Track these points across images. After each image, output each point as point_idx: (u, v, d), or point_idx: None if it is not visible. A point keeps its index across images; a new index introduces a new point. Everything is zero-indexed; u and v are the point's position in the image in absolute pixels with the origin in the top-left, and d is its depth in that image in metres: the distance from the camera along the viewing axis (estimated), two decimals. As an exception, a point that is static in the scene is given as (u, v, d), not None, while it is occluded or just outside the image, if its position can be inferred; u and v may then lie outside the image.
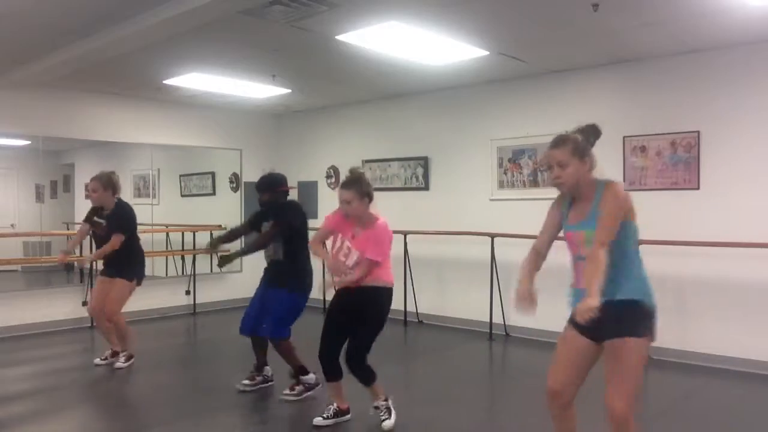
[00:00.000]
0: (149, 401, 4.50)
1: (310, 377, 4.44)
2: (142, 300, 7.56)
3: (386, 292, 3.79)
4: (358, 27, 4.56)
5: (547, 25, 4.69)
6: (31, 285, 7.54)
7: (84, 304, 6.85)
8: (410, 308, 7.10)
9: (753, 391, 4.67)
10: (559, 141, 2.62)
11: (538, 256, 2.78)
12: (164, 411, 4.26)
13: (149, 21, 4.24)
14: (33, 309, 6.66)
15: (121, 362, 5.24)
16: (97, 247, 5.36)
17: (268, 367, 4.71)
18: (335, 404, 3.88)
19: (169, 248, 8.28)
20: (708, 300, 5.28)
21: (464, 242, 6.60)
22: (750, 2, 4.09)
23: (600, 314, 2.31)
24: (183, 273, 8.19)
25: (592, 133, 2.67)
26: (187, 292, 7.97)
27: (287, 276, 4.37)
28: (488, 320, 6.34)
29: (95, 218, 5.26)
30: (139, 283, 5.38)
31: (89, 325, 6.87)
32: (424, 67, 5.81)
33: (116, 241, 5.10)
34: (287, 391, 4.40)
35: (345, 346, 3.78)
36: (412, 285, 7.06)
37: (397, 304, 7.12)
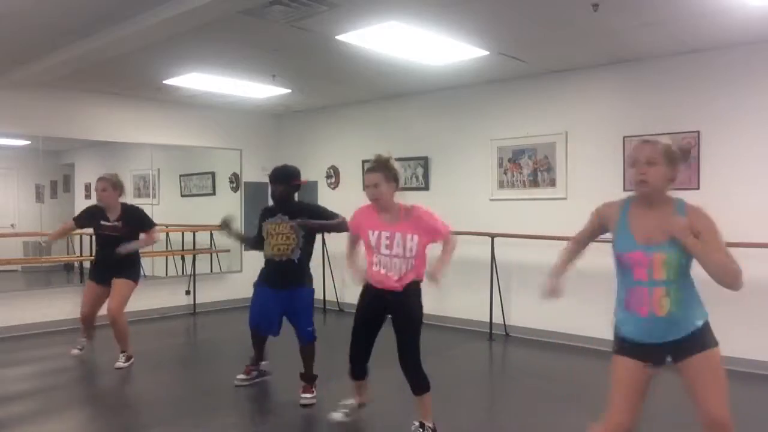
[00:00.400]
0: (149, 401, 4.50)
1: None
2: (142, 300, 7.56)
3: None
4: (358, 27, 4.56)
5: (547, 25, 4.69)
6: (31, 285, 7.54)
7: (84, 304, 6.84)
8: (410, 308, 7.09)
9: (753, 391, 4.67)
10: (651, 140, 2.52)
11: (578, 246, 2.75)
12: (164, 411, 4.26)
13: (149, 21, 4.24)
14: (33, 309, 6.65)
15: (121, 362, 5.24)
16: (103, 249, 5.25)
17: (265, 362, 4.73)
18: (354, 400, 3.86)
19: (169, 248, 8.28)
20: (707, 300, 5.24)
21: (464, 242, 6.56)
22: (750, 2, 4.09)
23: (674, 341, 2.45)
24: (183, 273, 8.19)
25: (679, 149, 2.56)
26: (187, 292, 7.97)
27: (305, 274, 4.38)
28: (488, 320, 6.34)
29: (102, 222, 5.18)
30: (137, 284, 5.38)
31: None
32: (424, 67, 5.81)
33: (157, 235, 5.40)
34: (307, 395, 4.27)
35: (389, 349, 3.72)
36: (412, 285, 7.05)
37: (397, 304, 7.18)
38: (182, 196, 8.86)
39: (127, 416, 4.21)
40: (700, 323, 2.55)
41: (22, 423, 4.02)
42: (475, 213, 6.71)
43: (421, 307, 3.65)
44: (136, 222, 5.27)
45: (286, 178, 4.44)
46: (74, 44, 4.98)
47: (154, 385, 4.88)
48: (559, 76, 6.13)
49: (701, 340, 2.53)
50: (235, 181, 8.54)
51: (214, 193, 8.69)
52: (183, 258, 8.23)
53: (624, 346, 2.57)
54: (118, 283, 5.18)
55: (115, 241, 5.13)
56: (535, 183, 6.32)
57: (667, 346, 2.50)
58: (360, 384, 3.83)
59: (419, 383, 3.63)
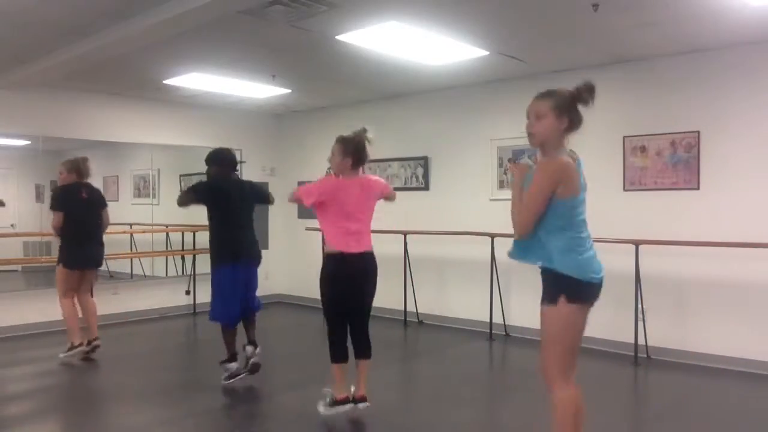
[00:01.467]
0: (149, 401, 4.50)
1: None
2: (142, 300, 7.59)
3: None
4: (358, 27, 4.56)
5: (547, 25, 4.69)
6: (31, 285, 7.53)
7: (84, 304, 6.85)
8: (410, 308, 7.10)
9: (753, 391, 4.67)
10: (545, 93, 2.61)
11: None
12: (164, 411, 4.26)
13: (149, 21, 4.24)
14: (33, 309, 6.65)
15: (62, 354, 5.48)
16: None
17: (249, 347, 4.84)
18: (333, 392, 3.89)
19: (169, 248, 8.29)
20: (708, 300, 5.28)
21: (464, 242, 6.59)
22: (750, 2, 4.09)
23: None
24: (183, 273, 8.19)
25: (586, 90, 2.60)
26: (187, 292, 7.96)
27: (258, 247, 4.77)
28: (488, 320, 6.34)
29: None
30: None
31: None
32: (424, 67, 5.81)
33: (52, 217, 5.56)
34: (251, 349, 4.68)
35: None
36: (412, 285, 7.06)
37: (397, 304, 7.19)
38: (182, 196, 8.85)
39: (127, 416, 4.21)
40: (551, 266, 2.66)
41: (22, 423, 4.02)
42: (475, 213, 6.71)
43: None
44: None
45: (218, 160, 4.76)
46: (74, 44, 4.98)
47: (154, 385, 4.88)
48: (559, 76, 6.12)
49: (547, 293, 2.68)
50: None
51: (214, 193, 8.68)
52: (183, 258, 8.23)
53: (591, 290, 2.60)
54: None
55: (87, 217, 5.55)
56: (535, 183, 6.31)
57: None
58: (344, 368, 3.87)
59: (370, 345, 3.89)
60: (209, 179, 4.77)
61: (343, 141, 3.83)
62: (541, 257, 2.57)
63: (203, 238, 8.35)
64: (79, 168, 5.67)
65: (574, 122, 2.58)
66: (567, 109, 2.54)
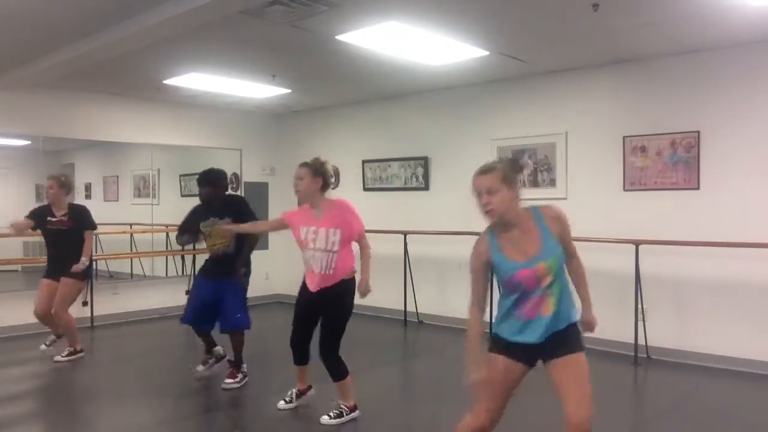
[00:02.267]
0: (149, 401, 4.50)
1: (244, 366, 4.78)
2: (142, 300, 7.59)
3: (355, 282, 3.89)
4: (358, 27, 4.56)
5: (547, 25, 4.69)
6: (31, 285, 7.51)
7: (84, 304, 6.85)
8: (410, 308, 7.10)
9: (753, 391, 4.67)
10: (486, 169, 2.60)
11: (483, 307, 2.69)
12: (164, 411, 4.26)
13: (149, 21, 4.24)
14: (33, 309, 6.65)
15: (60, 356, 5.45)
16: (53, 247, 5.46)
17: (218, 347, 5.00)
18: (297, 389, 4.14)
19: (169, 248, 8.28)
20: (708, 300, 5.28)
21: (464, 242, 6.57)
22: (750, 2, 4.09)
23: (546, 339, 2.51)
24: (183, 273, 8.19)
25: (514, 166, 2.69)
26: (187, 292, 7.94)
27: (234, 266, 4.65)
28: (488, 320, 6.33)
29: (49, 218, 5.37)
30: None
31: (89, 325, 6.89)
32: (424, 67, 5.81)
33: (91, 237, 5.50)
34: (230, 380, 4.66)
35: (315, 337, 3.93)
36: (412, 285, 7.06)
37: (397, 304, 7.20)
38: (182, 196, 8.84)
39: (127, 416, 4.21)
40: (574, 319, 2.61)
41: (22, 423, 4.02)
42: (475, 213, 6.69)
43: (349, 303, 3.87)
44: (82, 218, 5.48)
45: (212, 180, 4.72)
46: (74, 44, 4.98)
47: (154, 385, 4.88)
48: (559, 76, 6.13)
49: (575, 342, 2.58)
50: (235, 181, 8.54)
51: (214, 193, 8.69)
52: (183, 258, 8.23)
53: (499, 345, 2.63)
54: (63, 282, 5.37)
55: (64, 237, 5.36)
56: (535, 183, 6.32)
57: (544, 344, 2.54)
58: (302, 369, 4.08)
59: (337, 371, 3.86)
60: (239, 197, 5.01)
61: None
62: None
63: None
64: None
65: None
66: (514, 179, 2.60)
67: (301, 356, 4.00)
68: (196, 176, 4.80)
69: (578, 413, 2.47)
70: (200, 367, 4.95)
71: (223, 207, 4.68)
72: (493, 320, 2.70)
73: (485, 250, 2.62)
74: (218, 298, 4.63)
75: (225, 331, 4.72)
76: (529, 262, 2.51)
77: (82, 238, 5.40)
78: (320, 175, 3.79)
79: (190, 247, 8.13)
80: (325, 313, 3.82)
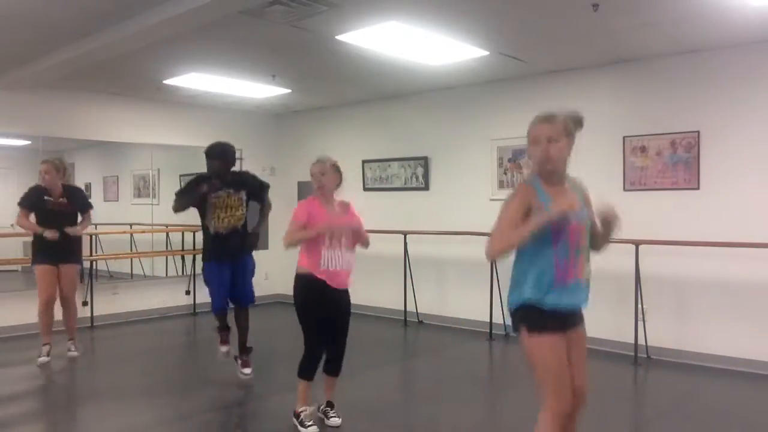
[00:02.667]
0: (149, 401, 4.50)
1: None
2: (142, 300, 7.59)
3: None
4: (358, 27, 4.56)
5: (547, 25, 4.69)
6: (31, 285, 7.51)
7: (84, 304, 6.84)
8: (410, 308, 7.10)
9: (753, 391, 4.68)
10: (550, 117, 2.45)
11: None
12: (164, 410, 4.26)
13: (149, 21, 4.24)
14: (33, 309, 6.63)
15: (75, 351, 5.55)
16: (52, 225, 5.27)
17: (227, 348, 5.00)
18: (316, 407, 3.86)
19: (169, 248, 8.28)
20: (708, 300, 5.28)
21: (464, 242, 6.59)
22: (750, 2, 4.09)
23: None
24: (183, 273, 8.19)
25: (575, 119, 2.51)
26: (187, 292, 7.96)
27: (246, 242, 4.68)
28: (488, 320, 6.33)
29: (45, 197, 5.35)
30: None
31: (89, 325, 6.88)
32: (424, 67, 5.81)
33: (90, 216, 5.59)
34: (247, 370, 4.72)
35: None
36: (412, 285, 7.06)
37: (397, 304, 7.20)
38: (182, 196, 8.86)
39: (127, 416, 4.21)
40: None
41: (22, 423, 4.02)
42: (475, 213, 6.71)
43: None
44: (80, 199, 5.57)
45: (223, 154, 4.70)
46: (74, 44, 4.99)
47: (154, 385, 4.88)
48: (559, 76, 6.13)
49: (582, 317, 2.61)
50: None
51: (214, 193, 8.69)
52: (183, 258, 8.23)
53: (551, 322, 2.46)
54: (69, 268, 5.44)
55: (64, 219, 5.37)
56: (535, 183, 6.32)
57: (579, 312, 2.56)
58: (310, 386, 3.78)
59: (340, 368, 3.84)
60: (249, 173, 4.99)
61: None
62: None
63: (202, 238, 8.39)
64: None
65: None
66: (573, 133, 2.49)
67: (316, 368, 3.77)
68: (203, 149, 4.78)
69: (583, 385, 2.55)
70: (224, 348, 4.92)
71: (238, 181, 4.69)
72: (510, 294, 2.59)
73: (533, 192, 2.44)
74: (235, 277, 4.68)
75: (243, 306, 4.81)
76: (578, 215, 2.43)
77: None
78: (339, 173, 3.81)
79: (190, 246, 8.18)
80: (343, 311, 3.78)
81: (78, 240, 5.53)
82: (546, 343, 2.45)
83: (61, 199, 5.39)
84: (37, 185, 5.44)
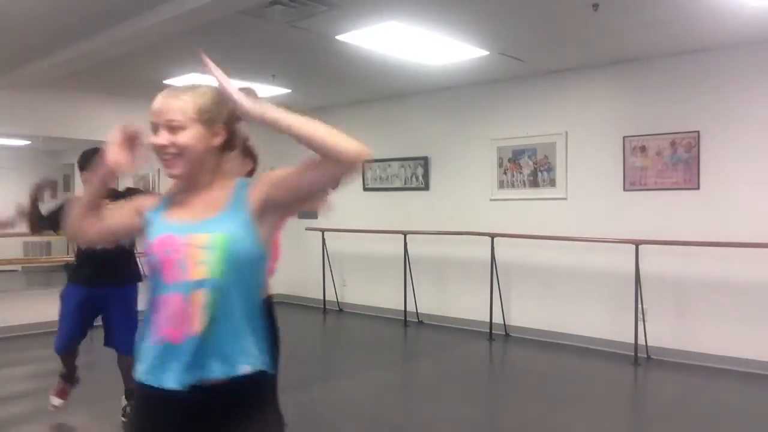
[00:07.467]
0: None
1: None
2: (142, 300, 7.58)
3: None
4: (358, 27, 4.56)
5: (547, 25, 4.69)
6: (31, 285, 7.54)
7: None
8: (410, 308, 7.09)
9: (753, 391, 4.68)
10: (178, 90, 1.65)
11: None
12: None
13: (149, 21, 4.24)
14: (33, 309, 6.65)
15: None
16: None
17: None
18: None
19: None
20: (708, 300, 5.28)
21: (464, 242, 6.59)
22: (750, 2, 4.09)
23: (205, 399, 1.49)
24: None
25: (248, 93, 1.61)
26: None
27: (126, 269, 3.91)
28: (488, 320, 6.33)
29: None
30: None
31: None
32: (424, 67, 5.81)
33: None
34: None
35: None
36: (412, 285, 7.06)
37: (397, 304, 7.19)
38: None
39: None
40: (249, 369, 1.53)
41: (22, 423, 4.02)
42: (475, 213, 6.72)
43: None
44: None
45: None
46: (74, 44, 4.98)
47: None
48: (559, 76, 6.13)
49: (256, 398, 1.56)
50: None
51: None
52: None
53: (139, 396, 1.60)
54: None
55: None
56: (535, 183, 6.32)
57: (201, 396, 1.49)
58: None
59: None
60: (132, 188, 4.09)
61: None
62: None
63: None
64: None
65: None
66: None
67: None
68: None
69: None
70: (59, 401, 4.10)
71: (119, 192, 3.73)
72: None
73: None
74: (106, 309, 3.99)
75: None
76: (189, 226, 1.66)
77: None
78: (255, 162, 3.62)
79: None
80: None
81: None
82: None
83: None
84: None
